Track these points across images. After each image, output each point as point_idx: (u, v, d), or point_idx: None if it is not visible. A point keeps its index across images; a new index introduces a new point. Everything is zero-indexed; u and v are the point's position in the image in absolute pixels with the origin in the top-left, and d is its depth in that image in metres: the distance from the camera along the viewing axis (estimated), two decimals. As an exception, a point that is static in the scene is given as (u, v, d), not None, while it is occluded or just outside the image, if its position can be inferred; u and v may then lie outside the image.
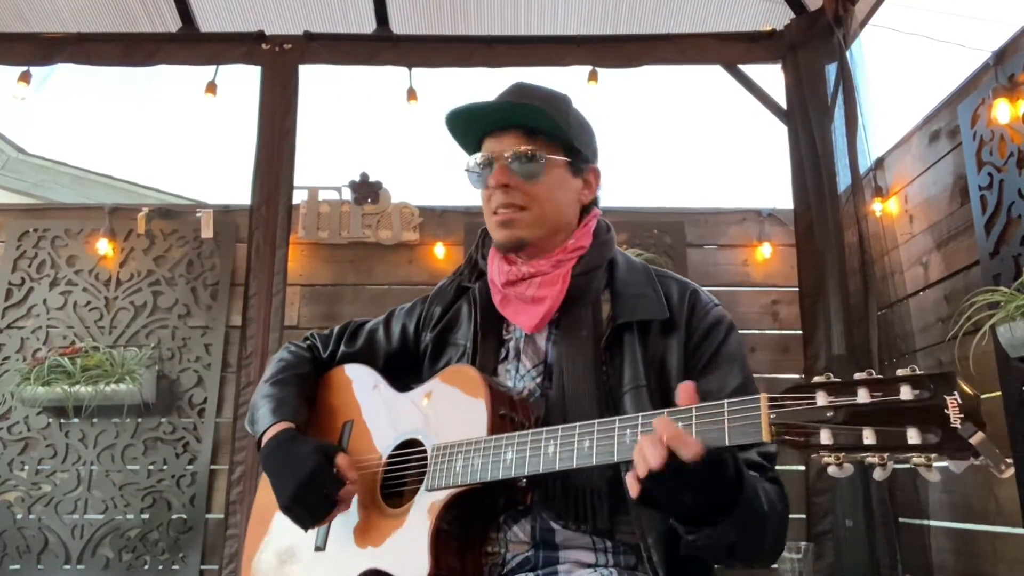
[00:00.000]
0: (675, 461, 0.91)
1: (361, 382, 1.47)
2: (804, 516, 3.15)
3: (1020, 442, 2.27)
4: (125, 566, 3.35)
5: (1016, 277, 2.28)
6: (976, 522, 2.63)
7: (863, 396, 0.83)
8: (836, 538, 3.04)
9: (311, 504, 1.23)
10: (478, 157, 1.33)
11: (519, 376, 1.32)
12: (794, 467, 3.27)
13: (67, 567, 3.34)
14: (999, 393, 2.38)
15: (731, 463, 0.97)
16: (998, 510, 2.48)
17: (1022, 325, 2.15)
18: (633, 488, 0.96)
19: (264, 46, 3.62)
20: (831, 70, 3.39)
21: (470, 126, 1.34)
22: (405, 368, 1.47)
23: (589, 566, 1.19)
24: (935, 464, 0.82)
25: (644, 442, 0.94)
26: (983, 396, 2.54)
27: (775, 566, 2.85)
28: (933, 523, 2.86)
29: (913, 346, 3.03)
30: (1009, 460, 0.80)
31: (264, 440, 1.35)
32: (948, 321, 2.53)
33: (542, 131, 1.30)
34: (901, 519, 2.98)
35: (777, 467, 1.19)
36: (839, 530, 3.02)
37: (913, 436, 0.79)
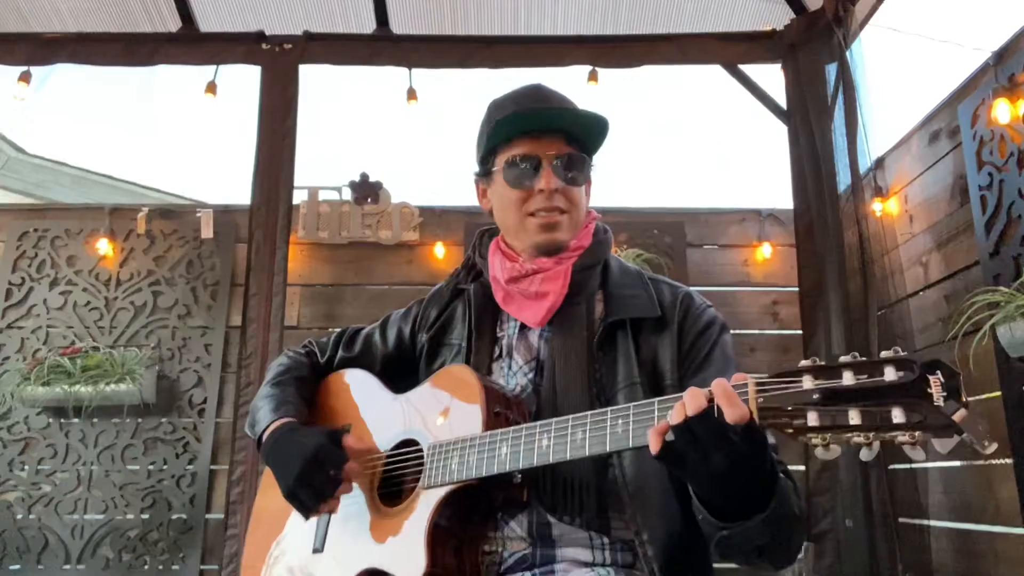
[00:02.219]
0: (714, 414, 0.92)
1: (358, 386, 1.48)
2: (804, 516, 3.15)
3: (1020, 442, 2.27)
4: (125, 566, 3.35)
5: (1016, 277, 2.28)
6: (976, 522, 2.63)
7: (848, 378, 0.85)
8: (836, 538, 3.04)
9: (316, 484, 1.22)
10: (522, 154, 1.32)
11: (512, 373, 1.33)
12: (794, 467, 3.26)
13: (67, 567, 3.34)
14: (999, 393, 2.38)
15: (768, 456, 0.97)
16: (998, 510, 2.48)
17: (1022, 325, 2.15)
18: (655, 443, 0.96)
19: (264, 46, 3.62)
20: (831, 70, 3.39)
21: (511, 123, 1.34)
22: (402, 371, 1.48)
23: (586, 565, 1.19)
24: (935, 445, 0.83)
25: (685, 394, 0.95)
26: (983, 396, 2.54)
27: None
28: (933, 523, 2.86)
29: (913, 346, 3.03)
30: (994, 443, 0.81)
31: (266, 435, 1.35)
32: (948, 321, 2.53)
33: (578, 139, 1.34)
34: (901, 519, 2.98)
35: (776, 466, 1.20)
36: (839, 530, 3.02)
37: (898, 415, 0.81)
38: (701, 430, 0.93)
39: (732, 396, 0.91)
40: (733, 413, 0.90)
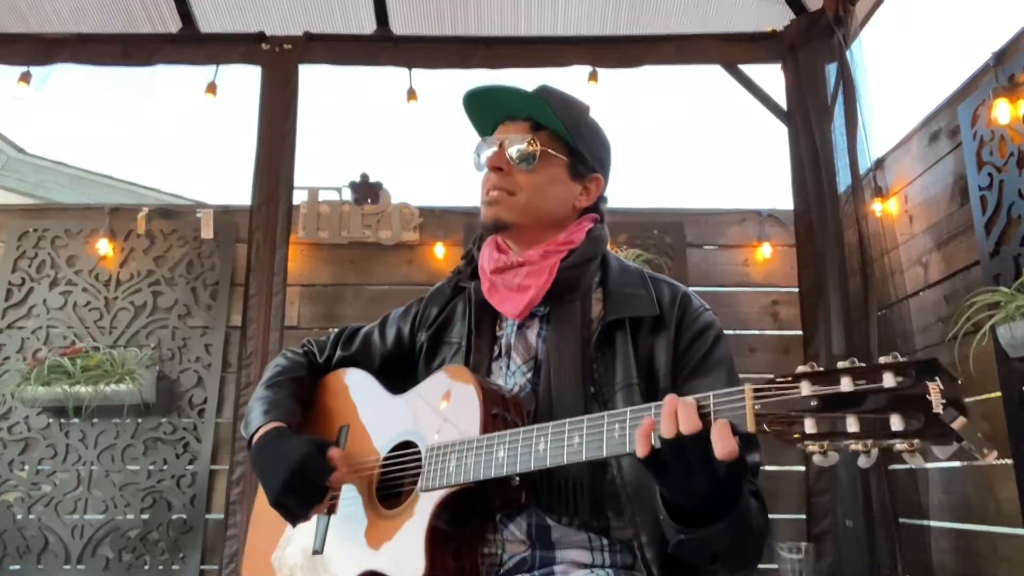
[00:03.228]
0: (707, 437, 0.91)
1: (356, 386, 1.47)
2: (804, 516, 3.15)
3: (1020, 442, 2.27)
4: (125, 566, 3.35)
5: (1016, 277, 2.28)
6: (976, 522, 2.63)
7: (846, 384, 0.84)
8: (836, 538, 3.03)
9: (301, 493, 1.22)
10: (485, 139, 1.39)
11: (510, 372, 1.32)
12: (794, 467, 3.26)
13: (67, 567, 3.34)
14: (999, 393, 2.38)
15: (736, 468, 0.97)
16: (998, 510, 2.48)
17: (1022, 325, 2.15)
18: (642, 447, 0.95)
19: (264, 46, 3.62)
20: (831, 70, 3.39)
21: (486, 113, 1.40)
22: (401, 370, 1.47)
23: (586, 566, 1.19)
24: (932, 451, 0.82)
25: (680, 407, 0.94)
26: (983, 397, 2.53)
27: (775, 566, 2.85)
28: (933, 523, 2.86)
29: (913, 346, 3.03)
30: (994, 451, 0.80)
31: (255, 439, 1.35)
32: (948, 321, 2.53)
33: (547, 127, 1.34)
34: (901, 519, 2.98)
35: (777, 467, 1.20)
36: (839, 530, 3.02)
37: (896, 423, 0.80)
38: (691, 449, 0.93)
39: (724, 433, 0.91)
40: (723, 449, 0.90)
